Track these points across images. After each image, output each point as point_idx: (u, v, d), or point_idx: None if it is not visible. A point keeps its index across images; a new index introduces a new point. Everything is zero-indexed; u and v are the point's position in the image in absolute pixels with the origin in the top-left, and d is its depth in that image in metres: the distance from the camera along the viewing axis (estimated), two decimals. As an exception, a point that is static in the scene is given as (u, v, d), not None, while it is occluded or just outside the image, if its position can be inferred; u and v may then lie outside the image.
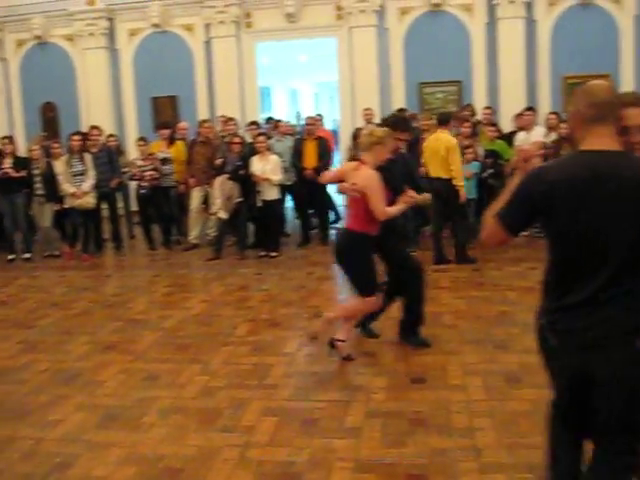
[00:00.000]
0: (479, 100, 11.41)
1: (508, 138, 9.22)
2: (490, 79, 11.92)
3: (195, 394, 4.46)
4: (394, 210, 4.72)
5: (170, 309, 6.60)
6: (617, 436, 2.38)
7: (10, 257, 9.32)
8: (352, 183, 4.64)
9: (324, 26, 12.44)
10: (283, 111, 20.40)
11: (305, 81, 23.77)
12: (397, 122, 5.12)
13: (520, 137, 8.97)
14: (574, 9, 11.51)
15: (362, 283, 4.79)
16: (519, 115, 9.50)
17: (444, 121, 7.71)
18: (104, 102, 13.08)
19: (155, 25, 12.77)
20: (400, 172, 5.00)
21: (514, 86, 11.59)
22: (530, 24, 11.67)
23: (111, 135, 10.52)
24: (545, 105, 11.47)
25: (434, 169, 7.56)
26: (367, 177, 4.59)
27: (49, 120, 13.45)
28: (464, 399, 4.11)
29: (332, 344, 4.92)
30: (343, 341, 4.89)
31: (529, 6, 11.62)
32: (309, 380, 4.62)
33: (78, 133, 9.35)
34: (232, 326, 5.89)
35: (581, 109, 2.36)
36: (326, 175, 5.59)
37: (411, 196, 4.81)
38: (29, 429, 4.06)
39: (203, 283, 7.70)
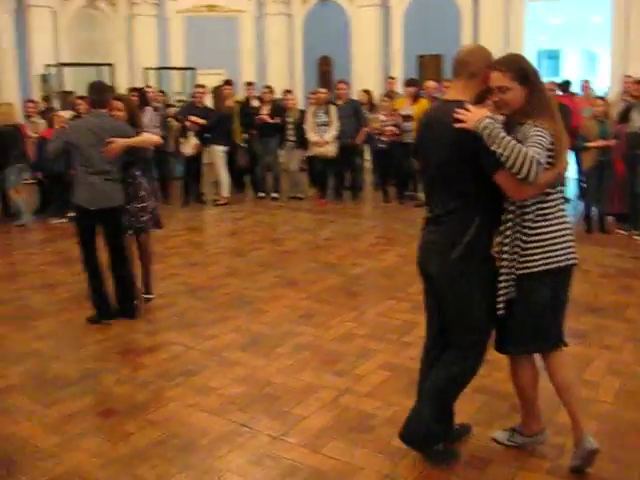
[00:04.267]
0: None
1: None
2: None
3: (334, 337, 4.69)
4: None
5: (366, 258, 6.86)
6: (451, 332, 2.98)
7: (260, 195, 10.39)
8: None
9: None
10: (575, 76, 19.02)
11: (601, 44, 21.76)
12: None
13: None
14: None
15: None
16: None
17: None
18: (373, 58, 13.61)
19: (427, -17, 12.82)
20: None
21: None
22: None
23: (365, 91, 10.92)
24: None
25: None
26: None
27: (324, 73, 14.40)
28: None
29: None
30: None
31: None
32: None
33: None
34: (409, 283, 5.94)
35: None
36: None
37: None
38: (186, 338, 4.68)
39: (410, 239, 7.76)
